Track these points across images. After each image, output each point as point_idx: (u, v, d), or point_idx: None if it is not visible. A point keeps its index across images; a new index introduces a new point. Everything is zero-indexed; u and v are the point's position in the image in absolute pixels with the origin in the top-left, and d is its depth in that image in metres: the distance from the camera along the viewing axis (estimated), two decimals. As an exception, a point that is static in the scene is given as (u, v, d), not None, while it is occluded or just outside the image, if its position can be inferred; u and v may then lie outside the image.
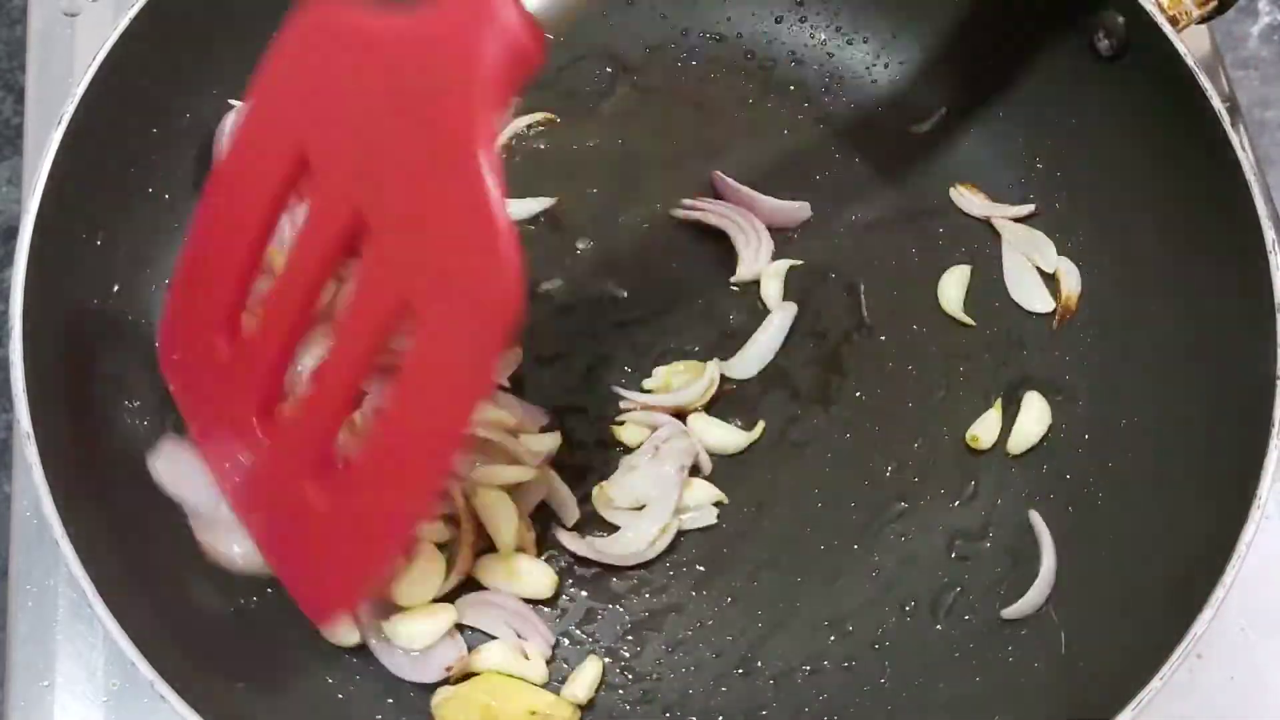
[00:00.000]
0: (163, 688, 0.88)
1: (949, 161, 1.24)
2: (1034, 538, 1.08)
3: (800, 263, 1.18)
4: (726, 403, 1.14)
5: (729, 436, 1.11)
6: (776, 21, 1.28)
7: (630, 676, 1.05)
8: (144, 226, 1.11)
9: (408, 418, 0.86)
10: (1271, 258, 0.99)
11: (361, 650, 1.04)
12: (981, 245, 1.20)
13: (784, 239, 1.19)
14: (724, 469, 1.11)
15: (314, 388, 0.92)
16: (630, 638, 1.06)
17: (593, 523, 1.09)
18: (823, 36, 1.28)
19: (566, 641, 1.06)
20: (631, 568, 1.08)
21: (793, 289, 1.18)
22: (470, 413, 0.84)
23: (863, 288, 1.18)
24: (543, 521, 1.08)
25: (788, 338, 1.16)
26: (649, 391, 1.12)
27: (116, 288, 1.09)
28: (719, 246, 1.19)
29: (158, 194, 1.12)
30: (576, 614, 1.06)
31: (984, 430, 1.12)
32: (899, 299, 1.18)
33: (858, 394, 1.15)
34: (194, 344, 0.98)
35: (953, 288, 1.18)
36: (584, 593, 1.07)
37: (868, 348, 1.16)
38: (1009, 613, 1.06)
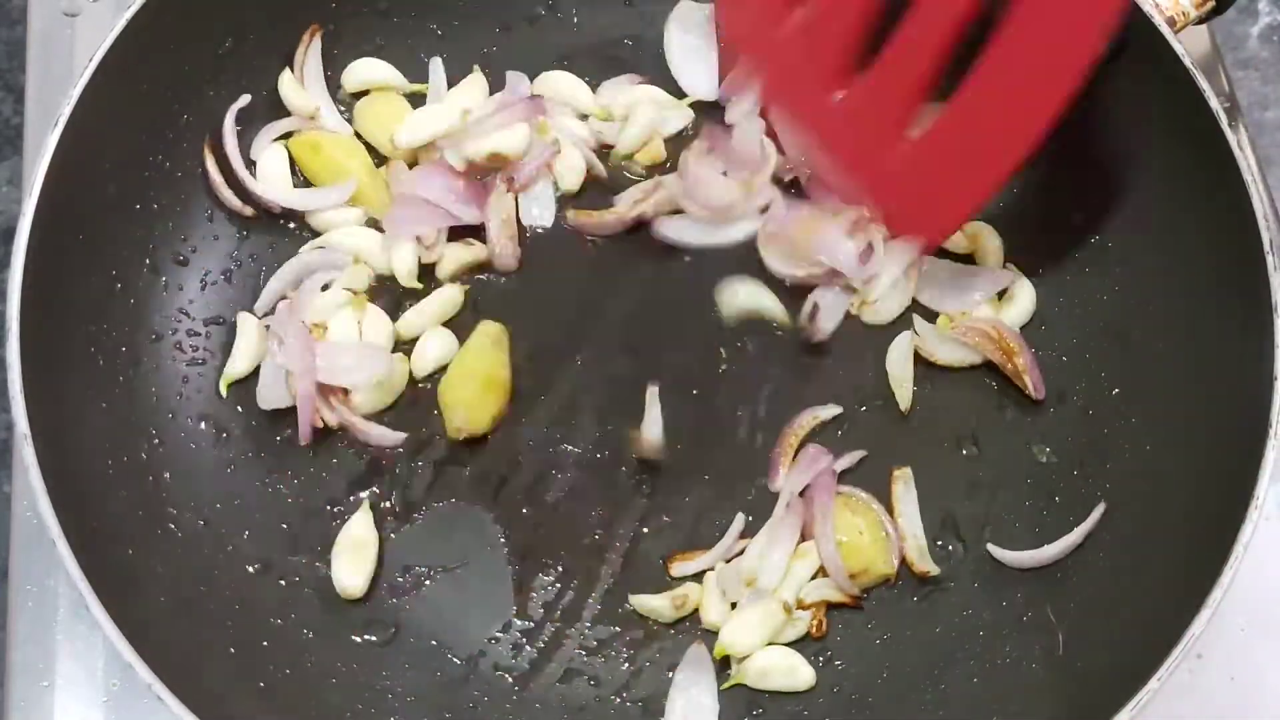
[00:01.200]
0: (160, 689, 0.88)
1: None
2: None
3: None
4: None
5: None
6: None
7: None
8: (143, 228, 1.12)
9: (1014, 64, 0.87)
10: (1270, 259, 0.99)
11: (360, 652, 1.05)
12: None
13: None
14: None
15: (902, 44, 0.93)
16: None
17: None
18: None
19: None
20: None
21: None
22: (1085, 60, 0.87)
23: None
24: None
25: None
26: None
27: (117, 287, 1.09)
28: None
29: (156, 195, 1.13)
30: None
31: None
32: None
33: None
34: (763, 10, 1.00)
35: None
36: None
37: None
38: (1015, 560, 1.07)
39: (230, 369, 1.11)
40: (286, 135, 1.19)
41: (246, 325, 1.12)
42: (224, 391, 1.10)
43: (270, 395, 1.09)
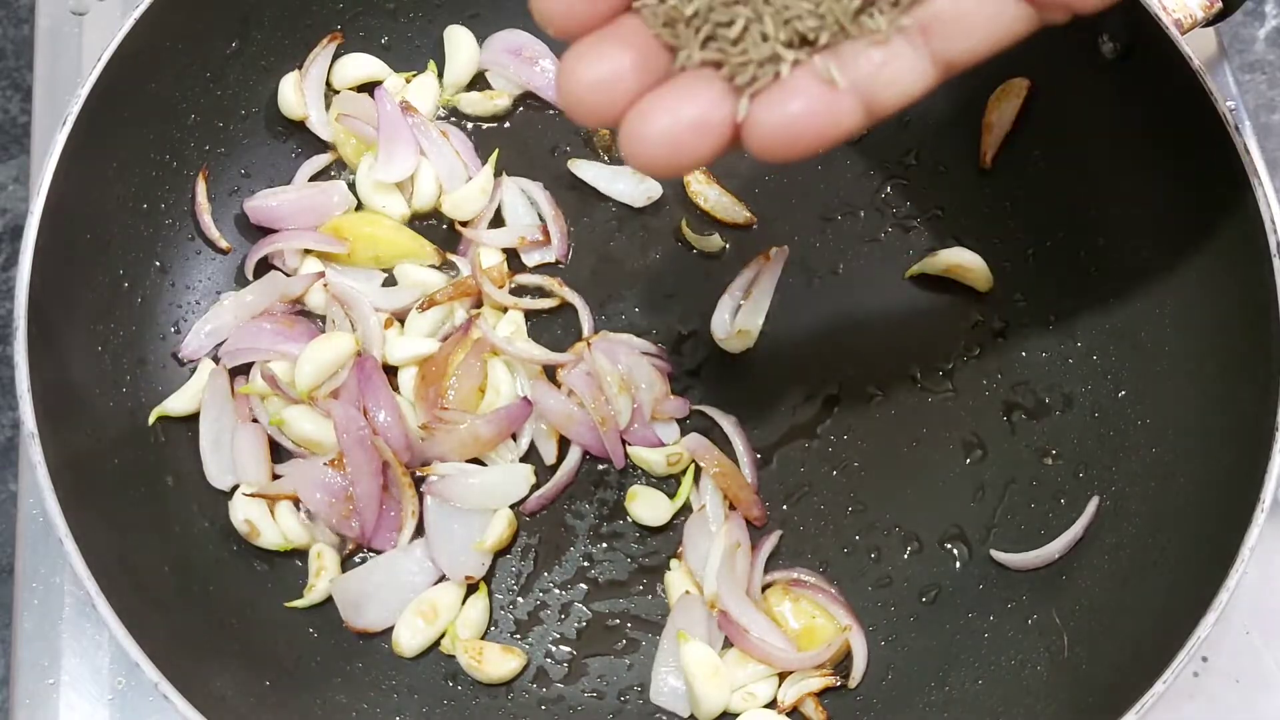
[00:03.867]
0: (167, 688, 0.89)
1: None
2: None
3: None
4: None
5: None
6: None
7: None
8: (149, 226, 1.12)
9: None
10: (1276, 262, 0.98)
11: (365, 651, 1.05)
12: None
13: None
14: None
15: None
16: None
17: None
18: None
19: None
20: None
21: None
22: None
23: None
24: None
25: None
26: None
27: (124, 286, 1.09)
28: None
29: (163, 194, 1.13)
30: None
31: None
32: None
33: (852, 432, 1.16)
34: None
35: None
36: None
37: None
38: (1017, 561, 1.07)
39: (168, 404, 1.09)
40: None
41: (202, 371, 1.11)
42: (150, 421, 1.08)
43: (217, 475, 1.08)
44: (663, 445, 1.11)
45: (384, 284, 1.16)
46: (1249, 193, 1.01)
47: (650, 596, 1.08)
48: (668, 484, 1.11)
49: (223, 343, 1.11)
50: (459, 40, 1.24)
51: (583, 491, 1.11)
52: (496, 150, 1.22)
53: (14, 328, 0.96)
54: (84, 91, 1.03)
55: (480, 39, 1.24)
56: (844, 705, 1.04)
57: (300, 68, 1.19)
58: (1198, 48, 1.09)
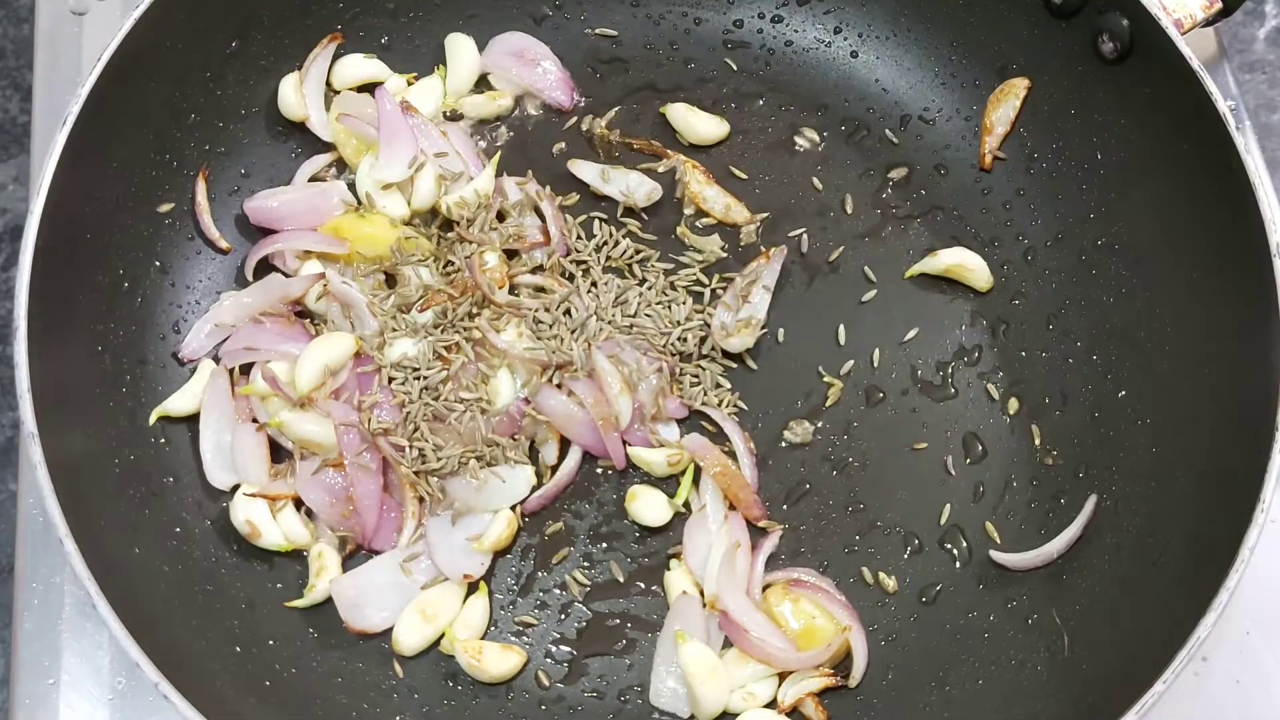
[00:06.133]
0: (166, 688, 0.89)
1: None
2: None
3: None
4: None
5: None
6: (775, 21, 1.28)
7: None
8: (149, 226, 1.12)
9: None
10: (1276, 261, 0.99)
11: (364, 651, 1.05)
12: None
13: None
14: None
15: None
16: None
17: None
18: (822, 37, 1.28)
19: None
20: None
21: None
22: None
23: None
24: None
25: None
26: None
27: (124, 286, 1.09)
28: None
29: (163, 195, 1.13)
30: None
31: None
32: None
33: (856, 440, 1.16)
34: None
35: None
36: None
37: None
38: (1015, 561, 1.07)
39: (169, 404, 1.09)
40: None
41: (203, 371, 1.11)
42: (150, 421, 1.08)
43: (217, 474, 1.08)
44: (663, 445, 1.11)
45: (384, 284, 1.16)
46: (1249, 193, 1.01)
47: (650, 596, 1.08)
48: (668, 484, 1.12)
49: (223, 343, 1.12)
50: (460, 47, 1.24)
51: (583, 491, 1.11)
52: (498, 150, 1.22)
53: (14, 328, 0.97)
54: (84, 91, 1.03)
55: (480, 41, 1.25)
56: (844, 705, 1.04)
57: (300, 68, 1.20)
58: (1198, 48, 1.09)
